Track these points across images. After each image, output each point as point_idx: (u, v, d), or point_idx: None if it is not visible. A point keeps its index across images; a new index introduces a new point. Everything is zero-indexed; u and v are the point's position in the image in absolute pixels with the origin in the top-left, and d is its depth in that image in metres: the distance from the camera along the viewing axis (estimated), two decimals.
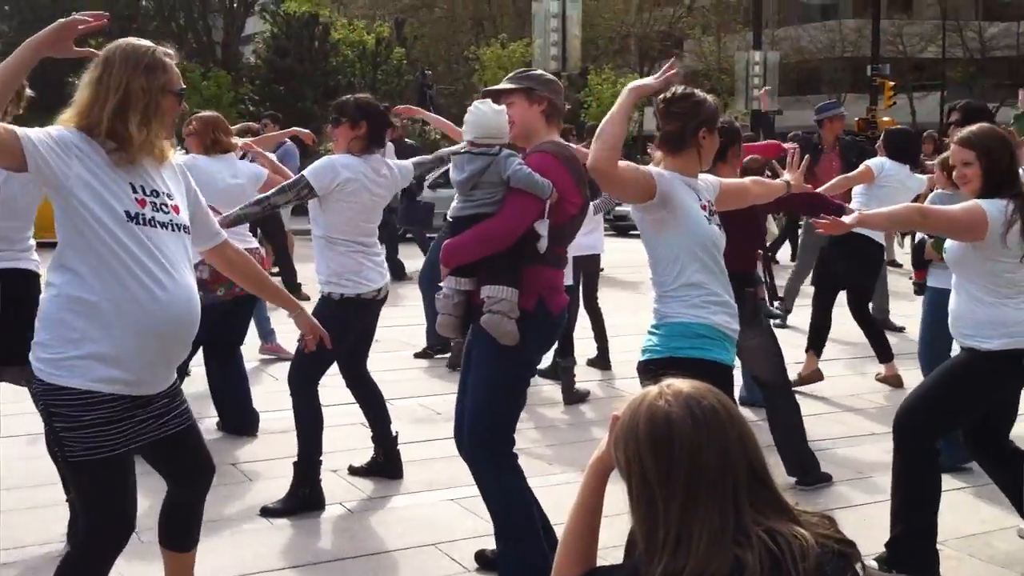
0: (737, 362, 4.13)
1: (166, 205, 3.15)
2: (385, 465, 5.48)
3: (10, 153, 2.91)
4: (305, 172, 4.99)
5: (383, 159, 5.19)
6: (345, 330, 5.06)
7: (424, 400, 7.17)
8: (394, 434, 5.51)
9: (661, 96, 3.90)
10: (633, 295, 11.20)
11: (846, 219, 4.28)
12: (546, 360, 7.94)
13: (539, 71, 4.32)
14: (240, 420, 6.30)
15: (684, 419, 1.91)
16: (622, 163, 3.65)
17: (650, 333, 3.88)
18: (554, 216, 3.89)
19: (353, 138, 5.06)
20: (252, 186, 6.20)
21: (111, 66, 3.05)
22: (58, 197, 3.00)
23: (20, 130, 2.93)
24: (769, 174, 5.89)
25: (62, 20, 2.97)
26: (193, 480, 3.40)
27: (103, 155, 3.03)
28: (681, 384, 1.99)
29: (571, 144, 4.67)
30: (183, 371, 5.72)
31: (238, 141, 6.52)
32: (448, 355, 8.26)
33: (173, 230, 3.14)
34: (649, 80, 3.84)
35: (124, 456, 3.08)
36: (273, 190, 5.05)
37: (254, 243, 6.19)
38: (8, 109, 4.42)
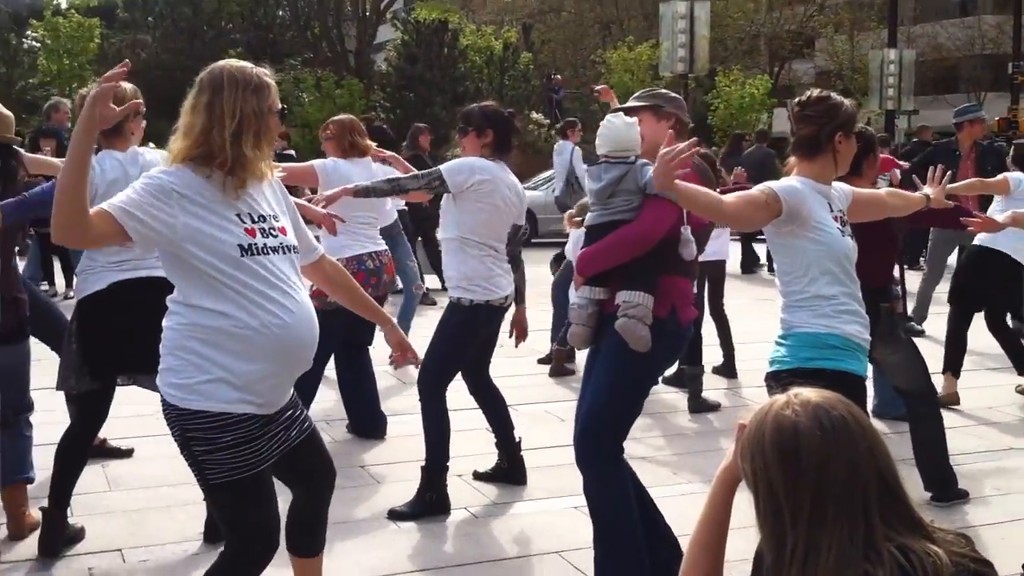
0: (868, 372, 4.02)
1: (274, 229, 3.15)
2: (509, 471, 5.51)
3: (110, 235, 2.92)
4: (441, 167, 5.06)
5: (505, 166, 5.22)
6: (474, 336, 5.12)
7: (548, 406, 7.19)
8: (517, 440, 5.54)
9: (796, 99, 3.84)
10: (759, 302, 11.02)
11: (999, 218, 4.14)
12: (671, 368, 7.89)
13: (662, 91, 4.36)
14: (368, 423, 6.42)
15: (812, 429, 1.87)
16: (731, 198, 3.60)
17: (778, 344, 3.81)
18: (693, 223, 3.90)
19: (481, 146, 5.12)
20: None
21: (221, 90, 3.04)
22: (169, 248, 3.01)
23: (113, 205, 2.91)
24: None
25: (92, 94, 2.87)
26: (317, 485, 3.46)
27: (207, 188, 3.03)
28: (810, 393, 1.95)
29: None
30: None
31: (372, 145, 6.63)
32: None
33: (284, 252, 3.15)
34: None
35: (263, 474, 3.13)
36: (407, 175, 5.12)
37: (383, 246, 6.27)
38: (133, 130, 4.61)
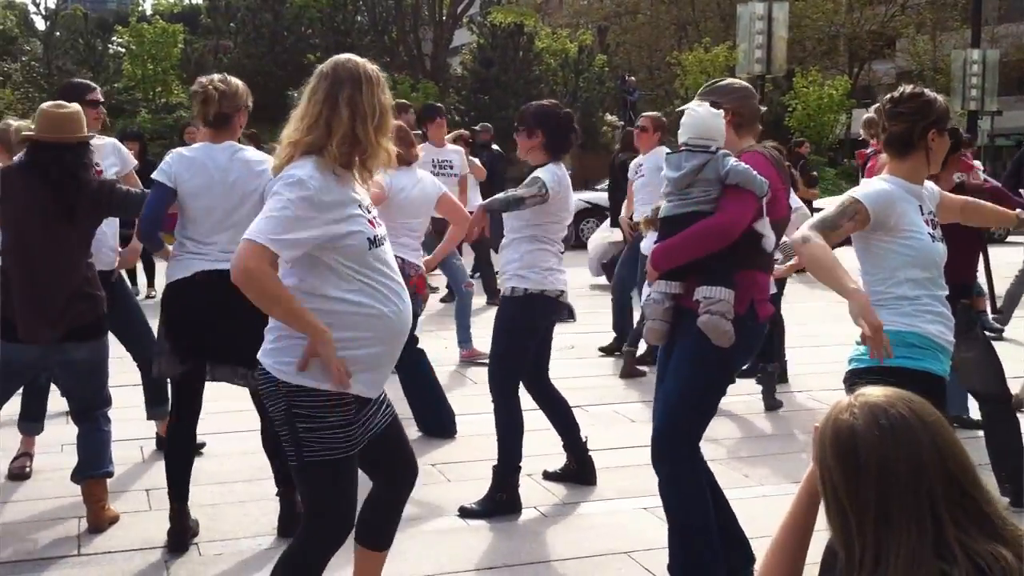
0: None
1: (378, 220, 3.28)
2: (578, 471, 5.49)
3: (274, 265, 3.00)
4: (542, 178, 4.95)
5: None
6: (532, 328, 5.11)
7: (619, 407, 7.16)
8: (584, 440, 5.52)
9: (887, 96, 3.74)
10: (836, 304, 10.83)
11: None
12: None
13: (726, 82, 4.19)
14: (434, 423, 6.41)
15: (869, 430, 1.83)
16: (820, 231, 3.54)
17: (858, 343, 3.74)
18: (770, 215, 3.84)
19: (530, 147, 5.08)
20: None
21: (361, 84, 3.12)
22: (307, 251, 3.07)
23: (271, 246, 2.94)
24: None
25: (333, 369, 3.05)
26: (399, 476, 3.49)
27: (335, 184, 3.09)
28: (871, 393, 1.91)
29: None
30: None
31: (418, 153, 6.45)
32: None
33: (386, 241, 3.28)
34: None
35: (354, 458, 3.21)
36: (522, 189, 4.96)
37: (419, 260, 6.11)
38: (241, 123, 4.73)
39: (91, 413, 4.86)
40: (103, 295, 4.80)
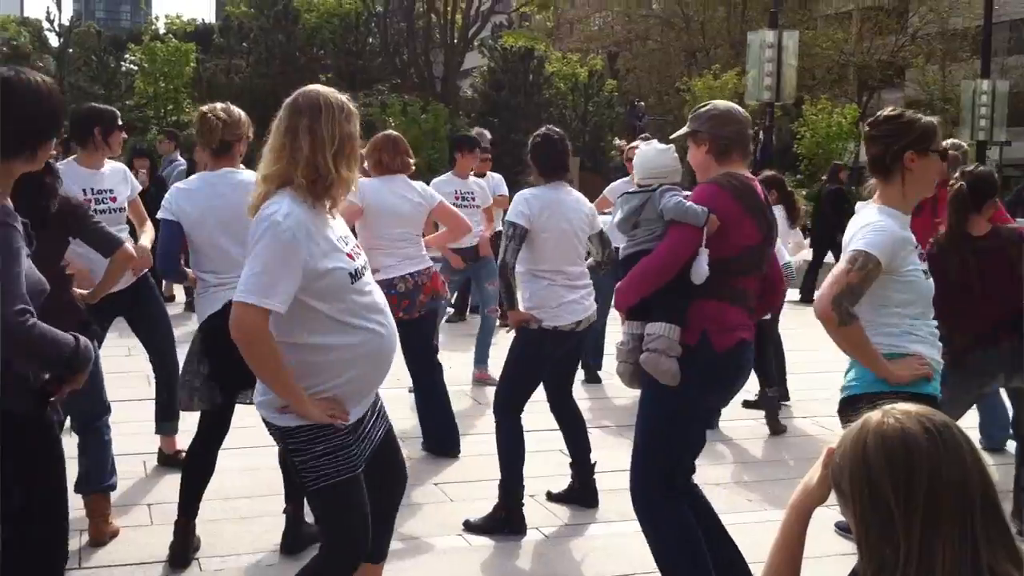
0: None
1: (356, 251, 3.28)
2: (581, 493, 5.49)
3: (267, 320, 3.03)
4: (507, 218, 5.13)
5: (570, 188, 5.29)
6: (541, 360, 5.19)
7: (624, 429, 7.13)
8: (593, 463, 5.52)
9: (868, 120, 3.73)
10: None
11: None
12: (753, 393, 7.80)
13: (707, 107, 3.99)
14: (442, 440, 6.42)
15: (920, 433, 1.81)
16: (847, 310, 3.45)
17: (848, 368, 3.73)
18: (721, 248, 3.70)
19: (534, 175, 5.25)
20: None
21: (319, 112, 3.11)
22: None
23: (264, 306, 2.97)
24: None
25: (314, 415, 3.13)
26: (390, 484, 3.52)
27: (313, 217, 3.10)
28: (905, 405, 1.89)
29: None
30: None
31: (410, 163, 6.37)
32: None
33: (367, 270, 3.29)
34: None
35: (357, 478, 3.24)
36: (502, 257, 5.11)
37: (424, 264, 6.06)
38: (240, 152, 4.78)
39: (93, 423, 4.86)
40: (80, 304, 4.72)
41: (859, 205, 3.83)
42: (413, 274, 5.96)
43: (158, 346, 5.88)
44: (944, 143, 3.98)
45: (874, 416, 1.89)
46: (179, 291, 11.80)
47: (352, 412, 3.21)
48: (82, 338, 3.04)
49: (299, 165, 3.07)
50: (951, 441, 1.81)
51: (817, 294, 3.57)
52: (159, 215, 4.70)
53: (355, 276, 3.16)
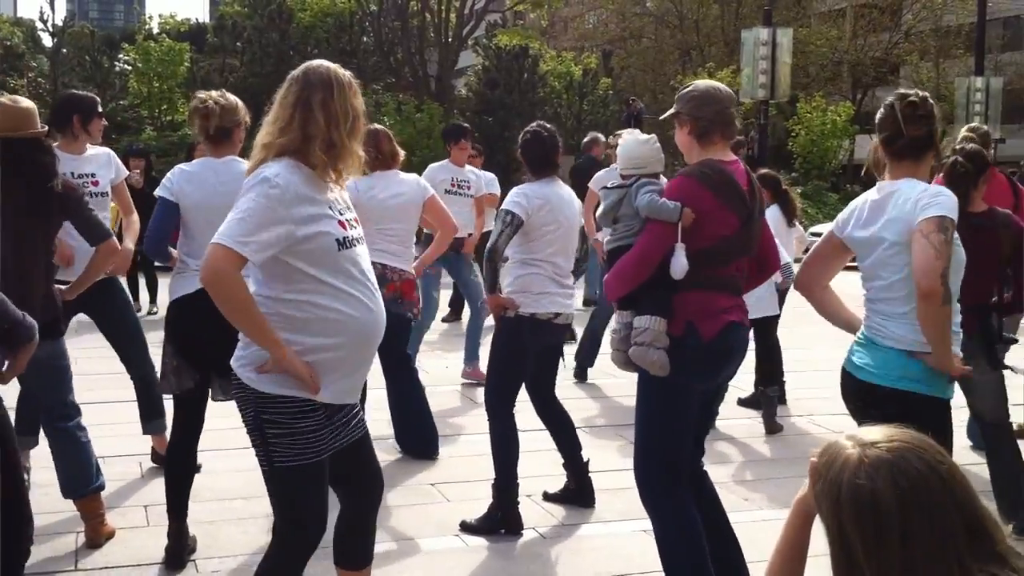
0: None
1: (356, 220, 3.30)
2: (578, 493, 5.48)
3: (241, 269, 3.00)
4: (505, 207, 5.13)
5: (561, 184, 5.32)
6: (521, 350, 5.15)
7: (620, 428, 7.13)
8: (585, 461, 5.51)
9: (905, 100, 3.65)
10: (836, 328, 10.80)
11: None
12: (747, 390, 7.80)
13: (689, 87, 3.95)
14: (419, 442, 6.34)
15: (890, 494, 1.77)
16: (936, 262, 3.40)
17: (861, 346, 3.70)
18: (699, 240, 3.70)
19: (527, 171, 5.30)
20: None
21: (333, 89, 3.16)
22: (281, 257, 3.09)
23: (238, 249, 2.96)
24: None
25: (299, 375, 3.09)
26: (367, 490, 3.48)
27: (302, 181, 3.09)
28: (878, 444, 1.84)
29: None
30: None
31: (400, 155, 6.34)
32: None
33: (361, 243, 3.28)
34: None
35: (323, 463, 3.22)
36: (494, 238, 5.08)
37: (406, 265, 6.07)
38: (239, 139, 4.77)
39: (61, 424, 4.76)
40: (57, 300, 4.68)
41: (882, 184, 3.72)
42: (384, 265, 5.83)
43: (124, 345, 5.76)
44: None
45: (851, 459, 1.83)
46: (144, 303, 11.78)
47: (327, 390, 3.14)
48: (28, 317, 3.04)
49: (316, 140, 3.11)
50: (925, 496, 1.77)
51: (918, 265, 3.42)
52: (157, 191, 4.65)
53: (343, 244, 3.15)
